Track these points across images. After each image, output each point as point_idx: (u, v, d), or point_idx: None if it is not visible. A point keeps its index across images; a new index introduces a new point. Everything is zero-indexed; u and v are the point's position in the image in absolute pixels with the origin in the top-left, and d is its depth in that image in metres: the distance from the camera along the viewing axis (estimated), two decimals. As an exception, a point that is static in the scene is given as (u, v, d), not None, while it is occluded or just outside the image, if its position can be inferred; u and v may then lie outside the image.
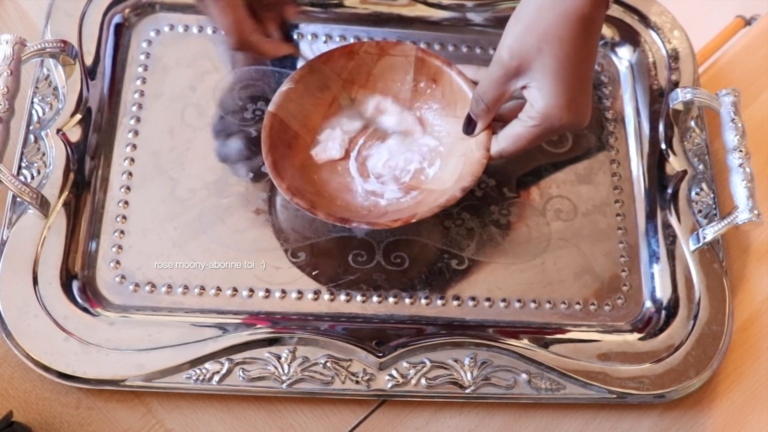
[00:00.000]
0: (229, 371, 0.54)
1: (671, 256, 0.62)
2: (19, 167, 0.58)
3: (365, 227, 0.57)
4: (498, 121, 0.58)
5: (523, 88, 0.55)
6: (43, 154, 0.59)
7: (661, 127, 0.66)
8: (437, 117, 0.63)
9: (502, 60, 0.54)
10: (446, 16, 0.70)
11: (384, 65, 0.63)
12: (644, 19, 0.71)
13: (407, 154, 0.62)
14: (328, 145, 0.61)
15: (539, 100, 0.54)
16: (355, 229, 0.60)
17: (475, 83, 0.59)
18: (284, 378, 0.55)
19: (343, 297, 0.59)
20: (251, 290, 0.58)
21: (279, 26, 0.59)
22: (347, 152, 0.62)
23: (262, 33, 0.59)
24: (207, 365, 0.54)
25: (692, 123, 0.66)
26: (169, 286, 0.58)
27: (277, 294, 0.59)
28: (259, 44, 0.59)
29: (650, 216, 0.64)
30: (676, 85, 0.67)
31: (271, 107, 0.59)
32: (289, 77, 0.60)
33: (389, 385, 0.55)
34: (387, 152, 0.62)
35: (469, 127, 0.59)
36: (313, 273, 0.59)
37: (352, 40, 0.68)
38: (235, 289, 0.58)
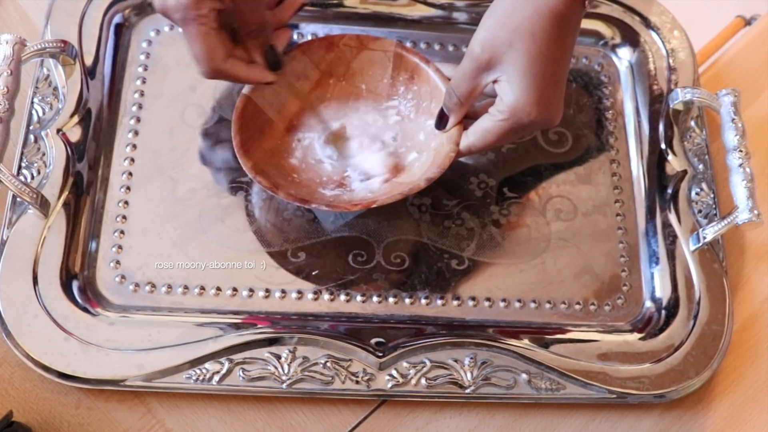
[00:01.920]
0: (229, 371, 0.54)
1: (671, 256, 0.62)
2: (19, 167, 0.58)
3: (325, 209, 0.56)
4: (471, 119, 0.58)
5: (495, 82, 0.54)
6: (43, 154, 0.59)
7: (661, 127, 0.66)
8: (413, 113, 0.63)
9: (474, 53, 0.53)
10: (446, 16, 0.70)
11: (363, 59, 0.63)
12: (644, 20, 0.71)
13: (381, 152, 0.61)
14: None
15: (509, 94, 0.53)
16: (315, 209, 0.60)
17: None
18: (284, 378, 0.55)
19: (343, 297, 0.59)
20: (251, 290, 0.58)
21: (263, 53, 0.57)
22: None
23: (244, 59, 0.57)
24: (207, 365, 0.54)
25: (692, 123, 0.66)
26: (169, 286, 0.58)
27: (277, 294, 0.59)
28: (232, 72, 0.56)
29: (650, 216, 0.64)
30: (676, 85, 0.67)
31: (245, 90, 0.59)
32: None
33: (389, 385, 0.55)
34: (359, 146, 0.62)
35: (441, 122, 0.59)
36: (313, 273, 0.59)
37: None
38: (235, 289, 0.58)
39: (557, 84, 0.54)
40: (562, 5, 0.51)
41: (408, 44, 0.69)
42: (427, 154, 0.60)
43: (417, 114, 0.62)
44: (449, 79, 0.60)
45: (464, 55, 0.55)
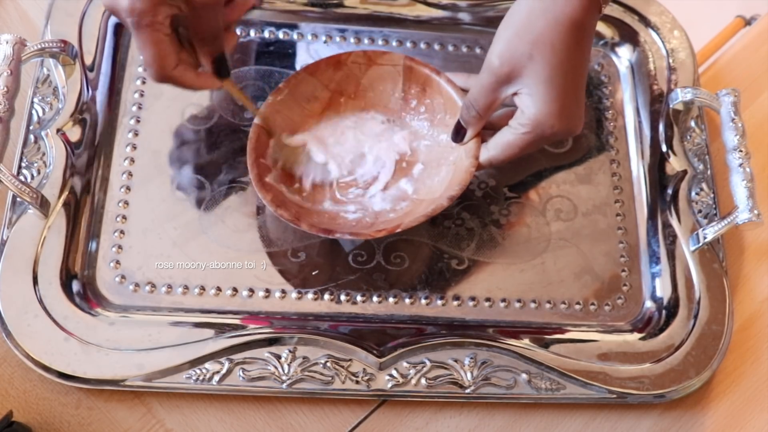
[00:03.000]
0: (229, 371, 0.54)
1: (671, 256, 0.62)
2: (19, 167, 0.58)
3: (349, 238, 0.56)
4: (488, 130, 0.57)
5: (515, 94, 0.54)
6: (43, 154, 0.59)
7: (661, 127, 0.66)
8: (427, 126, 0.62)
9: (493, 66, 0.53)
10: (446, 16, 0.70)
11: (373, 75, 0.62)
12: (644, 19, 0.71)
13: (397, 170, 0.61)
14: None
15: (530, 106, 0.53)
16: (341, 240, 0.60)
17: (465, 91, 0.58)
18: (284, 378, 0.55)
19: (343, 297, 0.59)
20: (251, 290, 0.58)
21: (213, 60, 0.55)
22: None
23: (190, 64, 0.55)
24: (207, 365, 0.54)
25: (692, 123, 0.66)
26: (169, 286, 0.58)
27: (277, 294, 0.59)
28: (182, 80, 0.54)
29: (650, 216, 0.64)
30: (675, 85, 0.67)
31: (256, 119, 0.58)
32: (275, 89, 0.60)
33: (389, 385, 0.55)
34: (376, 164, 0.61)
35: (458, 135, 0.58)
36: (313, 273, 0.59)
37: (352, 40, 0.68)
38: (235, 289, 0.58)
39: (578, 93, 0.54)
40: (580, 13, 0.50)
41: (408, 44, 0.69)
42: (446, 169, 0.59)
43: (431, 127, 0.62)
44: (463, 90, 0.59)
45: (482, 68, 0.54)
